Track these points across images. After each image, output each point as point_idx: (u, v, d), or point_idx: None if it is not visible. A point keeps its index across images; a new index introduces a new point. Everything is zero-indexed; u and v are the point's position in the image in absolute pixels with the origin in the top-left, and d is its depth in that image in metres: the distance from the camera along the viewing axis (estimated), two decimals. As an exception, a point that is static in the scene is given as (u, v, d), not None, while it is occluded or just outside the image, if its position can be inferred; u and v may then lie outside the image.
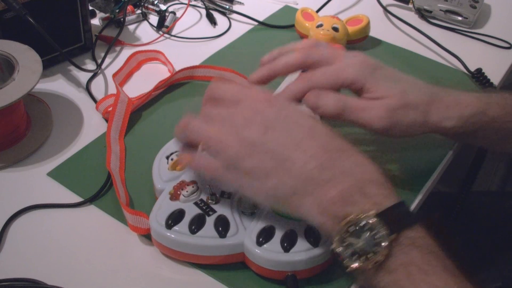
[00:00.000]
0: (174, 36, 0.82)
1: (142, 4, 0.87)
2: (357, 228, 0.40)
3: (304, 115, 0.47)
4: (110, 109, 0.64)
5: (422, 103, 0.54)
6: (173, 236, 0.48)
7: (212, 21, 0.85)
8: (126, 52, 0.77)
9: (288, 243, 0.47)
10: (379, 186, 0.42)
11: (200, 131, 0.48)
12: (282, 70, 0.56)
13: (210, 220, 0.49)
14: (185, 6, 0.88)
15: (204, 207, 0.50)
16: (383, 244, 0.40)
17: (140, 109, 0.67)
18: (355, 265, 0.41)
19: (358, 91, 0.54)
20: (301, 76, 0.56)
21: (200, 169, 0.49)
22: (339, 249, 0.41)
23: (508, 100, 0.58)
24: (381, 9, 0.90)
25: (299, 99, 0.54)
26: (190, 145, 0.49)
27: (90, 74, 0.72)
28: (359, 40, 0.80)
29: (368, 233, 0.40)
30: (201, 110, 0.49)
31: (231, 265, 0.49)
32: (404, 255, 0.40)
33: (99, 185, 0.56)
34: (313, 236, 0.48)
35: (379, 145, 0.64)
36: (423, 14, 0.89)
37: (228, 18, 0.87)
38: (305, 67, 0.56)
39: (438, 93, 0.55)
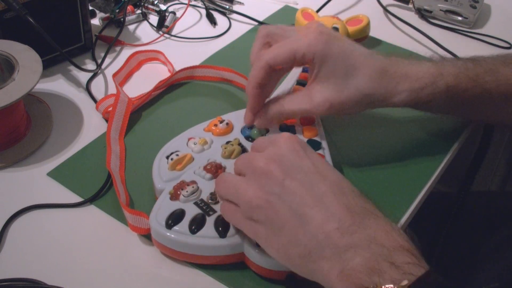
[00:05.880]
0: (174, 36, 0.82)
1: (142, 4, 0.87)
2: None
3: (331, 168, 0.45)
4: (110, 109, 0.63)
5: (369, 81, 0.54)
6: (173, 236, 0.48)
7: (212, 21, 0.85)
8: (126, 52, 0.77)
9: (288, 243, 0.47)
10: (407, 254, 0.39)
11: (223, 183, 0.47)
12: (259, 71, 0.55)
13: (210, 220, 0.49)
14: (185, 6, 0.88)
15: (204, 207, 0.50)
16: None
17: (140, 109, 0.67)
18: None
19: (309, 64, 0.55)
20: (257, 56, 0.56)
21: (226, 217, 0.47)
22: None
23: (460, 68, 0.57)
24: (381, 9, 0.90)
25: (262, 83, 0.55)
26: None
27: (90, 74, 0.72)
28: (359, 40, 0.79)
29: None
30: None
31: (231, 265, 0.49)
32: None
33: (99, 185, 0.56)
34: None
35: (379, 146, 0.64)
36: (423, 14, 0.89)
37: (228, 18, 0.87)
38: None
39: (387, 67, 0.55)
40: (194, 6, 0.89)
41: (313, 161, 0.44)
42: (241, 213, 0.44)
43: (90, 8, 0.82)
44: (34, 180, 0.58)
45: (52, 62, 0.73)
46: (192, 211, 0.49)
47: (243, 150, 0.56)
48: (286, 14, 0.88)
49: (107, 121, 0.64)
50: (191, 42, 0.82)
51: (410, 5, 0.90)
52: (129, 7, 0.84)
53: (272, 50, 0.55)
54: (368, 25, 0.79)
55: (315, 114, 0.56)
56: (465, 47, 0.83)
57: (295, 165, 0.43)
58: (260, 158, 0.44)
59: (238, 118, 0.60)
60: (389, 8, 0.91)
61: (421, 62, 0.57)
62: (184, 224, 0.48)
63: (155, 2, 0.87)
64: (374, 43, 0.82)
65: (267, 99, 0.58)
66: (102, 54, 0.76)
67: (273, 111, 0.56)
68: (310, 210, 0.41)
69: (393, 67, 0.55)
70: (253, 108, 0.57)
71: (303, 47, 0.53)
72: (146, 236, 0.51)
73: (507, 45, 0.83)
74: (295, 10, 0.86)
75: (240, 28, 0.85)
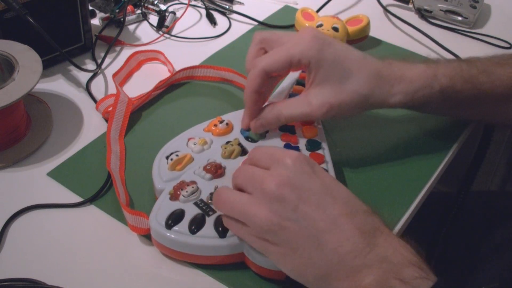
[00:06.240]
0: (174, 36, 0.82)
1: (142, 4, 0.87)
2: None
3: (340, 185, 0.45)
4: (110, 109, 0.64)
5: (365, 84, 0.54)
6: (173, 236, 0.48)
7: (212, 21, 0.85)
8: (126, 52, 0.77)
9: (288, 243, 0.47)
10: (415, 268, 0.40)
11: (222, 202, 0.46)
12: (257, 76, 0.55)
13: (210, 220, 0.49)
14: (185, 6, 0.88)
15: (204, 207, 0.50)
16: None
17: (140, 109, 0.67)
18: None
19: (306, 69, 0.55)
20: (253, 62, 0.56)
21: (232, 231, 0.47)
22: None
23: (455, 70, 0.58)
24: (381, 9, 0.90)
25: (259, 89, 0.55)
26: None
27: (90, 74, 0.72)
28: (359, 40, 0.80)
29: None
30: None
31: (231, 265, 0.49)
32: None
33: (99, 185, 0.56)
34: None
35: (379, 146, 0.64)
36: (423, 14, 0.89)
37: (228, 18, 0.87)
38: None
39: (381, 70, 0.55)
40: (194, 6, 0.89)
41: (323, 181, 0.44)
42: (251, 232, 0.44)
43: (90, 8, 0.82)
44: (34, 180, 0.58)
45: (52, 62, 0.73)
46: (192, 211, 0.49)
47: (243, 150, 0.56)
48: (286, 14, 0.88)
49: (107, 121, 0.64)
50: (191, 42, 0.82)
51: (410, 5, 0.90)
52: (129, 7, 0.84)
53: (267, 56, 0.55)
54: (368, 25, 0.79)
55: (314, 117, 0.56)
56: (465, 47, 0.83)
57: (307, 188, 0.43)
58: (269, 181, 0.43)
59: (238, 118, 0.59)
60: (389, 8, 0.91)
61: (416, 64, 0.57)
62: (184, 224, 0.48)
63: (155, 2, 0.87)
64: (374, 43, 0.82)
65: (265, 104, 0.58)
66: (102, 54, 0.76)
67: (271, 116, 0.56)
68: (325, 234, 0.42)
69: (388, 69, 0.56)
70: (251, 114, 0.57)
71: (298, 53, 0.53)
72: (146, 236, 0.51)
73: (507, 45, 0.83)
74: (295, 10, 0.86)
75: (240, 28, 0.85)
